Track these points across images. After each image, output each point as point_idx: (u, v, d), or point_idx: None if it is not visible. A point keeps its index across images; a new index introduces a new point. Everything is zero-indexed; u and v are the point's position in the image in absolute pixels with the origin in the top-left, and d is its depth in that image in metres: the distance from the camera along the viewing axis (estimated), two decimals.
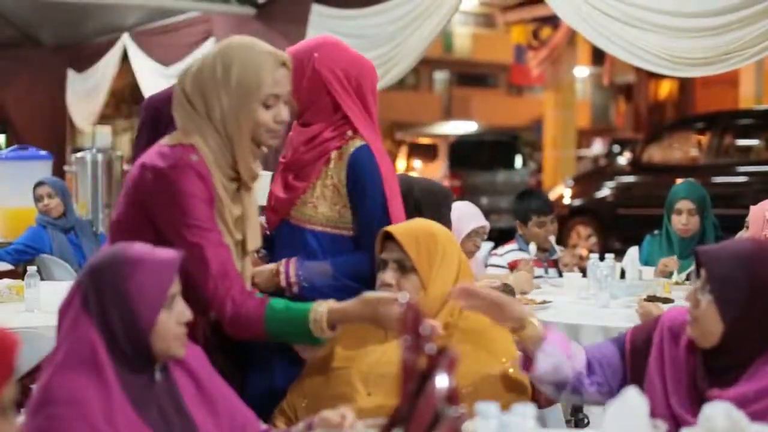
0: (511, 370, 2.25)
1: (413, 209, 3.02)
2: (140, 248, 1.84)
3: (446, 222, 3.22)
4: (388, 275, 2.34)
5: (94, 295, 1.77)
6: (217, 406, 1.92)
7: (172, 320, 1.81)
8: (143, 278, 1.78)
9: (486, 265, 4.72)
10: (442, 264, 2.36)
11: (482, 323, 2.27)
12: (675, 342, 2.09)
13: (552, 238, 4.64)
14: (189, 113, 2.25)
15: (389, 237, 2.38)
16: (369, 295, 2.19)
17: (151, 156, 2.22)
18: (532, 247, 4.58)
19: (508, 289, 3.32)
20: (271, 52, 2.28)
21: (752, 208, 3.29)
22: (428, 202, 3.18)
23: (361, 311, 2.16)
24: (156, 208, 2.20)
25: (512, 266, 4.52)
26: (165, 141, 2.26)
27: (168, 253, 1.84)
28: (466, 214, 4.13)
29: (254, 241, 2.36)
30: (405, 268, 2.34)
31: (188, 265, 2.06)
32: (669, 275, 4.18)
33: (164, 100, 2.80)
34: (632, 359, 2.15)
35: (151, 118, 3.07)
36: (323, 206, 2.61)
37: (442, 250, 2.37)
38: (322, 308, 2.16)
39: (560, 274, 4.59)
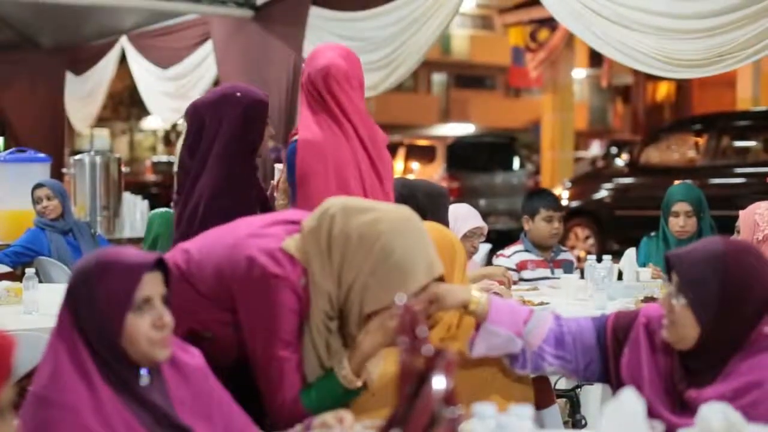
0: None
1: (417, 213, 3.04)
2: (113, 252, 1.83)
3: (444, 223, 3.23)
4: None
5: (73, 298, 1.79)
6: (211, 411, 1.91)
7: (145, 324, 1.79)
8: (109, 282, 1.77)
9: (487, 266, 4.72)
10: (459, 270, 2.42)
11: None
12: (650, 342, 2.10)
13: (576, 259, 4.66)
14: (322, 256, 2.16)
15: None
16: (370, 324, 2.18)
17: (263, 254, 2.17)
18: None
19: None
20: (431, 259, 2.16)
21: (741, 213, 3.24)
22: (431, 205, 3.21)
23: (373, 342, 2.17)
24: (247, 303, 2.19)
25: (521, 267, 4.53)
26: (284, 244, 2.18)
27: (139, 256, 1.83)
28: (463, 216, 4.13)
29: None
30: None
31: (263, 370, 2.16)
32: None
33: (208, 104, 3.13)
34: (613, 344, 2.15)
35: (198, 124, 3.13)
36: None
37: (459, 257, 2.43)
38: (342, 365, 2.18)
39: (552, 272, 4.59)
